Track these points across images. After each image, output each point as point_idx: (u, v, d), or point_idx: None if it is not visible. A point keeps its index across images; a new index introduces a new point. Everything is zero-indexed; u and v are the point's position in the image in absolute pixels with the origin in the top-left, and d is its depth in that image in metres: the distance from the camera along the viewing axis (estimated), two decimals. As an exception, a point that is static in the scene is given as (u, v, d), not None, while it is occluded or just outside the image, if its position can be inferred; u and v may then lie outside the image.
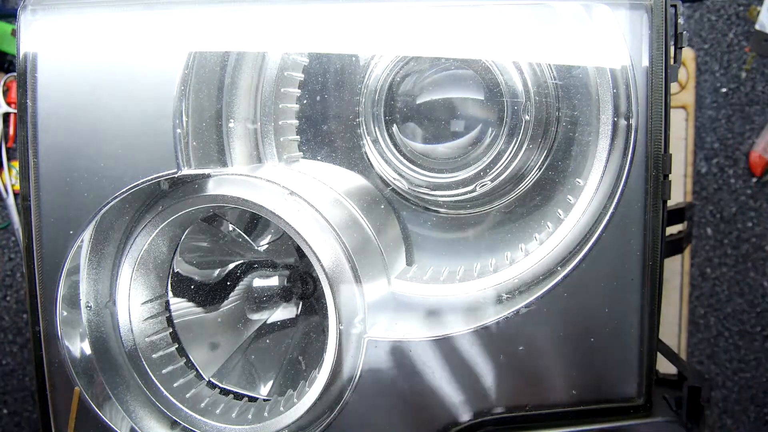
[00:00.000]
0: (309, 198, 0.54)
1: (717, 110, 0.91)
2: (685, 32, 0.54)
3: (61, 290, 0.54)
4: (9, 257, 1.09)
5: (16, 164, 1.11)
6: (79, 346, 0.56)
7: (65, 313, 0.55)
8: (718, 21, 0.89)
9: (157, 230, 0.54)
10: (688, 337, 0.96)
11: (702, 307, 1.01)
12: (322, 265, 0.51)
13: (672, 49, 0.52)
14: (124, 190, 0.53)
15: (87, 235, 0.55)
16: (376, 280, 0.56)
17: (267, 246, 0.63)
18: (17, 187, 1.11)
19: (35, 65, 0.53)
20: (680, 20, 0.53)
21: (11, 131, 1.11)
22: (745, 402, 1.00)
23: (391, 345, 0.53)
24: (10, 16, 1.06)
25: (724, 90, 0.90)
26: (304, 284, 0.63)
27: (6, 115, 1.10)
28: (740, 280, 1.04)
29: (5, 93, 1.08)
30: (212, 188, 0.54)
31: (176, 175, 0.53)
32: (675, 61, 0.53)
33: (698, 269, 1.04)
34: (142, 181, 0.53)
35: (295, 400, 0.54)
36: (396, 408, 0.54)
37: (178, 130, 0.53)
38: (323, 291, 0.52)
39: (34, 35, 0.53)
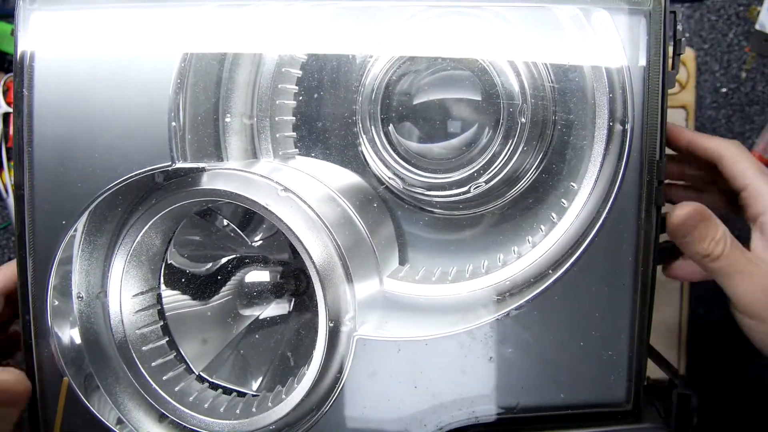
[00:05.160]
0: (303, 195, 0.54)
1: (717, 110, 0.90)
2: (684, 39, 0.54)
3: (53, 280, 0.54)
4: (9, 257, 1.08)
5: (16, 159, 1.11)
6: (69, 337, 0.56)
7: (56, 302, 0.55)
8: (718, 21, 0.89)
9: (150, 222, 0.54)
10: (688, 337, 0.95)
11: (702, 307, 1.00)
12: (313, 262, 0.51)
13: (670, 55, 0.52)
14: (118, 181, 0.53)
15: (80, 226, 0.55)
16: (368, 279, 0.56)
17: (261, 242, 0.63)
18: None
19: (32, 55, 0.53)
20: (679, 27, 0.53)
21: (11, 131, 1.11)
22: (745, 402, 0.99)
23: (380, 344, 0.53)
24: (10, 16, 1.06)
25: (724, 90, 0.90)
26: (296, 281, 0.63)
27: (6, 115, 1.09)
28: (740, 282, 1.02)
29: (5, 93, 1.08)
30: (206, 182, 0.54)
31: (171, 168, 0.53)
32: (673, 68, 0.53)
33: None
34: (136, 173, 0.53)
35: (283, 396, 0.54)
36: (383, 407, 0.54)
37: (174, 124, 0.53)
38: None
39: (32, 26, 0.53)
